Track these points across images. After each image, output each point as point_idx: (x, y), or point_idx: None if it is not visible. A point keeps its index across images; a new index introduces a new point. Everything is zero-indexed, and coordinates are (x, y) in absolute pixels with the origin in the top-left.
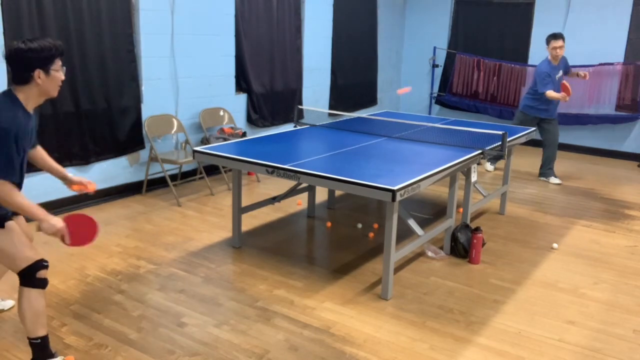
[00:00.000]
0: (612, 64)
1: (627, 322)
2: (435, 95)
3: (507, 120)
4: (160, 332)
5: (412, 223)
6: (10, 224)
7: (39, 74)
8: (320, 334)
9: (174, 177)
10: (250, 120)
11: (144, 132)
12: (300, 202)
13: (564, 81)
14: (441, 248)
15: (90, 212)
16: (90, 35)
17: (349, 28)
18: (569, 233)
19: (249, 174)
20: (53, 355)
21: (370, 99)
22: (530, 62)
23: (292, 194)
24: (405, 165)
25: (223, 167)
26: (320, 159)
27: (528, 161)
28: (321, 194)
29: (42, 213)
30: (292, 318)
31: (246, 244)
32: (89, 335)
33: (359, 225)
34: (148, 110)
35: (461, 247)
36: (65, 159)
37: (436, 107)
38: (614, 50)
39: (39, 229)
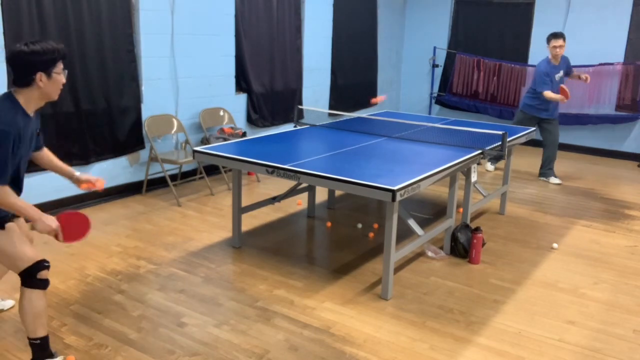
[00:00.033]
0: (612, 64)
1: (627, 322)
2: (435, 95)
3: (507, 120)
4: (160, 332)
5: (412, 223)
6: (10, 225)
7: (40, 77)
8: (320, 334)
9: (174, 177)
10: (250, 120)
11: (144, 132)
12: (300, 202)
13: (563, 85)
14: (441, 248)
15: (90, 212)
16: (90, 35)
17: (349, 28)
18: (569, 233)
19: (249, 174)
20: (53, 356)
21: (370, 99)
22: (530, 62)
23: (292, 194)
24: (405, 165)
25: (223, 167)
26: (320, 159)
27: (528, 161)
28: (321, 194)
29: (36, 213)
30: (292, 318)
31: (246, 244)
32: (89, 335)
33: (359, 225)
34: (148, 110)
35: (461, 247)
36: (65, 159)
37: (436, 107)
38: (614, 50)
39: (33, 228)
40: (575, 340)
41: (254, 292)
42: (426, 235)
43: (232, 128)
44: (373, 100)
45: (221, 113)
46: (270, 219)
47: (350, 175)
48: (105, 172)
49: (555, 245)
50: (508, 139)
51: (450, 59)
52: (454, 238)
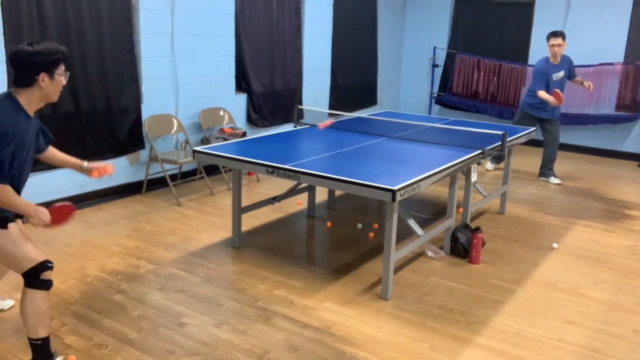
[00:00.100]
0: (612, 64)
1: (627, 322)
2: (435, 95)
3: (507, 120)
4: (160, 332)
5: (412, 223)
6: (13, 225)
7: (43, 77)
8: (320, 334)
9: (174, 177)
10: (250, 120)
11: (144, 132)
12: (300, 202)
13: (557, 90)
14: (441, 248)
15: (90, 212)
16: (90, 35)
17: (349, 28)
18: (569, 233)
19: (249, 174)
20: (53, 356)
21: (370, 99)
22: (530, 62)
23: (292, 194)
24: (405, 165)
25: (223, 167)
26: (320, 159)
27: (528, 161)
28: (321, 194)
29: (32, 209)
30: (292, 318)
31: (246, 244)
32: (89, 335)
33: (359, 225)
34: (148, 110)
35: (461, 247)
36: None
37: (436, 107)
38: (614, 50)
39: (27, 222)
40: (575, 340)
41: (254, 292)
42: (426, 235)
43: (232, 128)
44: (321, 125)
45: (221, 113)
46: (270, 219)
47: (350, 175)
48: None
49: (555, 245)
50: (508, 139)
51: (450, 59)
52: (454, 238)
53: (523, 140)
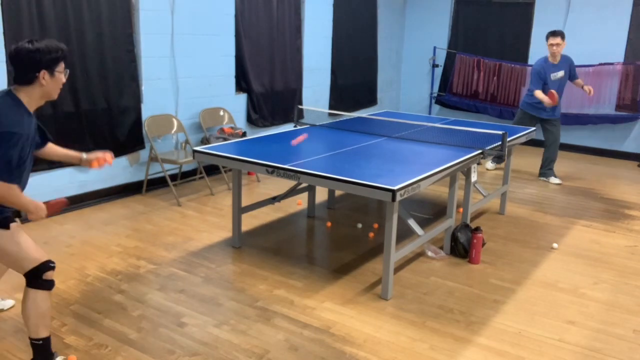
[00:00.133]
0: (612, 64)
1: (627, 322)
2: (435, 95)
3: (507, 120)
4: (160, 332)
5: (412, 223)
6: (14, 225)
7: (44, 74)
8: (320, 334)
9: (174, 177)
10: (250, 120)
11: (144, 132)
12: (300, 202)
13: (553, 90)
14: (441, 248)
15: (90, 211)
16: (90, 35)
17: (349, 28)
18: (569, 233)
19: (249, 174)
20: (53, 356)
21: (370, 99)
22: (530, 62)
23: (292, 194)
24: (405, 165)
25: (223, 167)
26: (320, 159)
27: (528, 161)
28: (321, 194)
29: (33, 206)
30: (292, 318)
31: (246, 244)
32: (89, 335)
33: (359, 225)
34: (148, 110)
35: (461, 247)
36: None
37: (436, 107)
38: (614, 50)
39: (24, 219)
40: (575, 340)
41: (254, 292)
42: (426, 235)
43: (232, 128)
44: (294, 142)
45: (221, 113)
46: (270, 219)
47: (350, 175)
48: (105, 172)
49: (555, 245)
50: (508, 139)
51: (450, 59)
52: (454, 238)
53: (523, 140)
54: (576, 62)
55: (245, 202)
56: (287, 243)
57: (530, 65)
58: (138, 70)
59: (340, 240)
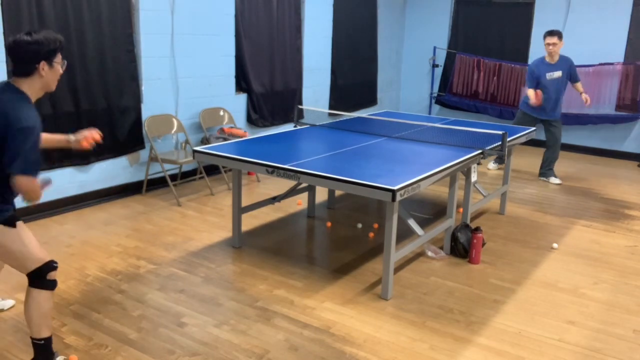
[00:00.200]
0: (612, 64)
1: (627, 322)
2: (435, 95)
3: (507, 120)
4: (160, 332)
5: (412, 223)
6: (20, 223)
7: (43, 66)
8: (320, 334)
9: (174, 177)
10: (250, 120)
11: (144, 132)
12: (300, 202)
13: (539, 91)
14: (441, 248)
15: (90, 211)
16: (90, 35)
17: (349, 28)
18: (569, 233)
19: (249, 174)
20: (54, 355)
21: (370, 99)
22: (530, 62)
23: (292, 194)
24: (405, 165)
25: (223, 167)
26: (320, 159)
27: (528, 161)
28: (321, 194)
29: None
30: (292, 318)
31: (246, 244)
32: (89, 335)
33: (359, 225)
34: (148, 110)
35: (461, 247)
36: (65, 158)
37: (436, 107)
38: (614, 50)
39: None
40: (575, 340)
41: (254, 292)
42: (426, 235)
43: (232, 128)
44: (234, 131)
45: (221, 113)
46: (270, 219)
47: (350, 175)
48: (105, 172)
49: (555, 245)
50: (508, 139)
51: (450, 59)
52: (454, 238)
53: (523, 140)
54: (576, 62)
55: (245, 202)
56: (287, 243)
57: None
58: (138, 70)
59: (340, 240)
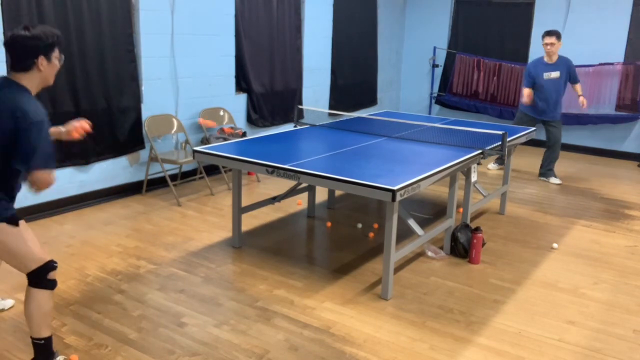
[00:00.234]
0: (612, 64)
1: (627, 322)
2: (435, 95)
3: (507, 120)
4: (160, 332)
5: (412, 223)
6: (22, 222)
7: (42, 60)
8: (320, 334)
9: (174, 177)
10: (250, 120)
11: (144, 132)
12: (300, 202)
13: (530, 89)
14: (441, 248)
15: (90, 212)
16: (90, 35)
17: (349, 28)
18: (569, 233)
19: (249, 174)
20: (54, 355)
21: (370, 99)
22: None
23: (292, 194)
24: (405, 165)
25: (223, 167)
26: (320, 159)
27: (528, 161)
28: (321, 194)
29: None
30: (292, 318)
31: (246, 244)
32: (89, 335)
33: (359, 225)
34: (148, 110)
35: (461, 247)
36: (65, 158)
37: (436, 107)
38: (614, 50)
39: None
40: (575, 340)
41: (254, 292)
42: (426, 235)
43: (232, 128)
44: (205, 122)
45: (221, 113)
46: (270, 219)
47: (350, 175)
48: (105, 172)
49: (555, 245)
50: (508, 139)
51: (450, 59)
52: (454, 238)
53: (523, 140)
54: (576, 62)
55: (245, 202)
56: (287, 243)
57: None
58: (138, 70)
59: (340, 240)
